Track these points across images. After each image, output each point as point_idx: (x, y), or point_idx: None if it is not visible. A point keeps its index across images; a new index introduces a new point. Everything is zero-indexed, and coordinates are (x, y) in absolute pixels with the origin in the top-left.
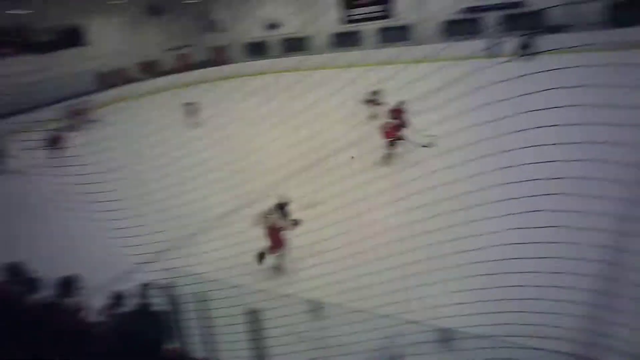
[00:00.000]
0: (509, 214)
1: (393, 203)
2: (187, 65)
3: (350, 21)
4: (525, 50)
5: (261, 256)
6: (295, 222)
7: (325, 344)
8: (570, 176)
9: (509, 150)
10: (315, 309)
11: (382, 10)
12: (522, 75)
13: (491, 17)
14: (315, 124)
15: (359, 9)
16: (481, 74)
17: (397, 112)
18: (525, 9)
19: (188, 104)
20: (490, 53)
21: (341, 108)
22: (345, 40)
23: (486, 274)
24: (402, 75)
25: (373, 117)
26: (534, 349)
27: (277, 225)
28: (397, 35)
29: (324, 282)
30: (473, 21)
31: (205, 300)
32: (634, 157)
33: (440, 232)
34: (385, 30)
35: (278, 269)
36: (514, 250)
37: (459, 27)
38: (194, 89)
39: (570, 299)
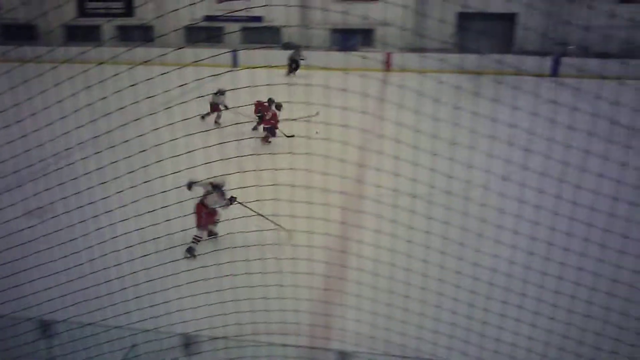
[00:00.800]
0: (242, 217)
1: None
2: None
3: (86, 14)
4: (292, 64)
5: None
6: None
7: None
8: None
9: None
10: (43, 326)
11: (122, 7)
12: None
13: (232, 28)
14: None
15: (96, 2)
16: (217, 82)
17: (265, 106)
18: (264, 24)
19: None
20: (234, 62)
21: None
22: (80, 34)
23: (219, 277)
24: (139, 75)
25: (214, 112)
26: (269, 344)
27: (207, 205)
28: (137, 35)
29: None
30: (215, 30)
31: None
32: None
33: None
34: (125, 28)
35: None
36: (247, 252)
37: (201, 34)
38: None
39: (300, 297)
